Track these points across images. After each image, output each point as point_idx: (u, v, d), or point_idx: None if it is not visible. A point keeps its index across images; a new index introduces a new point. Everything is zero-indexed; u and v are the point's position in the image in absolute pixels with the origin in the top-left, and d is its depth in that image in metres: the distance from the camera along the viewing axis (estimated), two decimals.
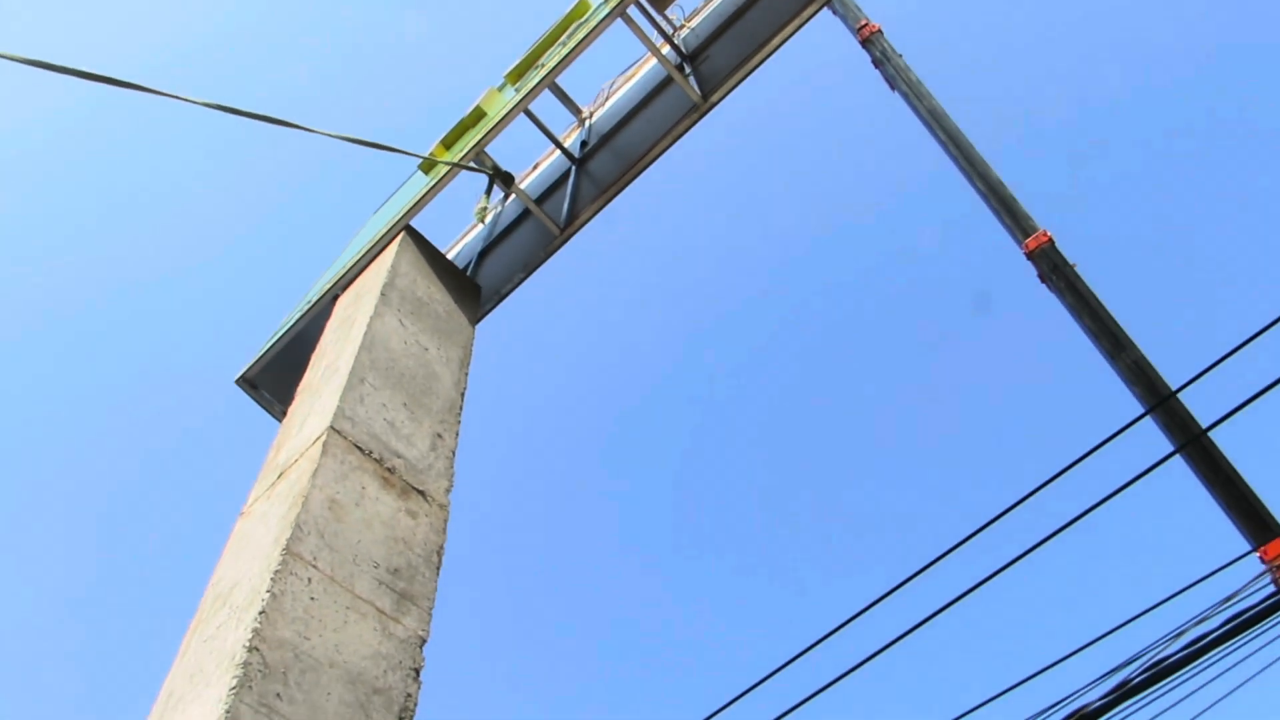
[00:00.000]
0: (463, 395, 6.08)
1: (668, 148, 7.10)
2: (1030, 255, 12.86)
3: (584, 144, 9.22)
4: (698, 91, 6.90)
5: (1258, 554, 9.68)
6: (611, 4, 7.13)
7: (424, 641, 4.20)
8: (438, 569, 4.71)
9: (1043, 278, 12.94)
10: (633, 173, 7.29)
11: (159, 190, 27.97)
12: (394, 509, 4.73)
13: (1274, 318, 5.09)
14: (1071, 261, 12.66)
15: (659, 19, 8.71)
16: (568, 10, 8.38)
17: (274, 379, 8.05)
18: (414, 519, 4.82)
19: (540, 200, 8.67)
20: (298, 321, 7.88)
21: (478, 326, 7.00)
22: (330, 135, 6.85)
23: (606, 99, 10.12)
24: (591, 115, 10.13)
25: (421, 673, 4.04)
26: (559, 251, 7.49)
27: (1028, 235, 12.95)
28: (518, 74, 8.62)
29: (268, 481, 5.05)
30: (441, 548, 4.84)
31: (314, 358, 6.52)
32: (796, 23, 7.01)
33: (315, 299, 7.73)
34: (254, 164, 28.03)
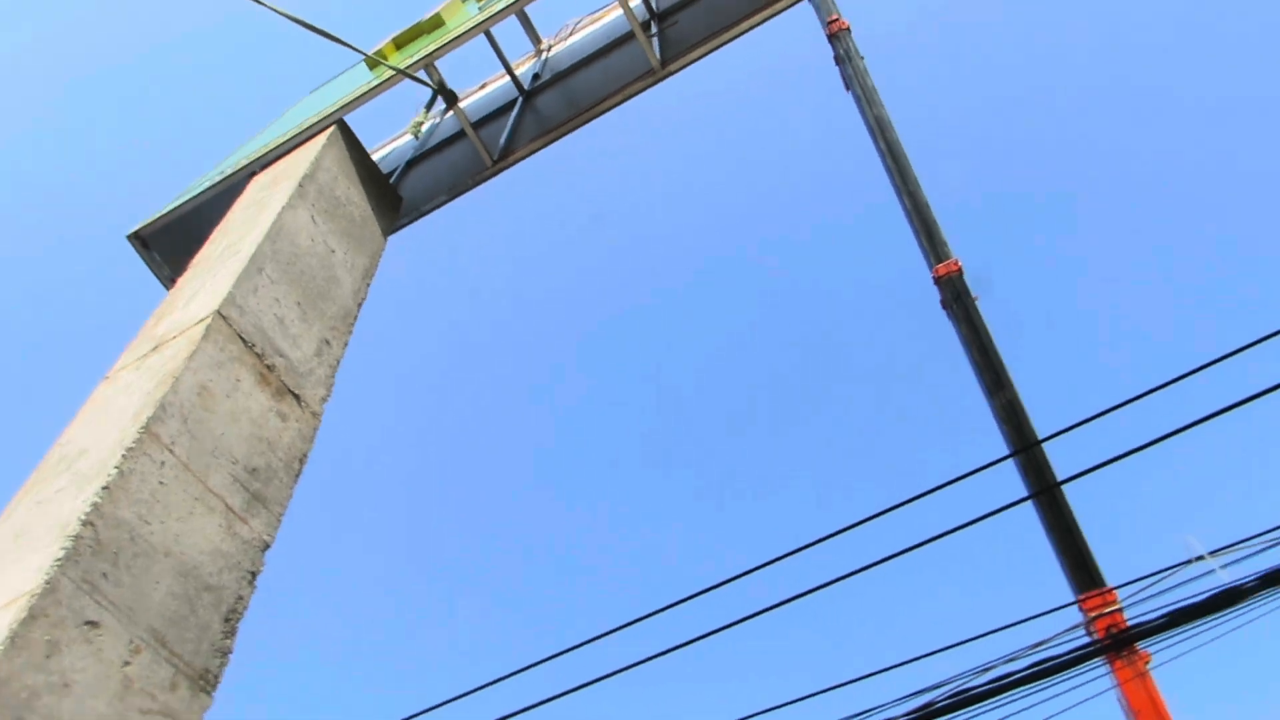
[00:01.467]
0: (360, 306, 5.98)
1: (618, 104, 7.03)
2: (937, 280, 13.20)
3: (536, 76, 9.07)
4: (658, 56, 6.83)
5: (1080, 605, 10.31)
6: None
7: (267, 546, 4.17)
8: (297, 476, 4.66)
9: (944, 304, 13.28)
10: (579, 120, 7.20)
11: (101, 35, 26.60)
12: (265, 408, 4.65)
13: (1149, 388, 5.38)
14: (974, 294, 13.02)
15: None
16: None
17: (169, 243, 7.76)
18: (284, 421, 4.75)
19: (480, 124, 8.51)
20: (207, 190, 7.59)
21: (390, 239, 6.87)
22: (280, 13, 6.61)
23: (569, 35, 9.95)
24: (550, 49, 9.95)
25: (258, 577, 4.01)
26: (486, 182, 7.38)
27: (940, 261, 13.28)
28: None
29: (140, 351, 4.90)
30: (306, 455, 4.79)
31: (216, 232, 6.31)
32: (779, 6, 6.89)
33: (230, 172, 7.46)
34: (189, 26, 26.83)
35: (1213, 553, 5.54)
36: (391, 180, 8.20)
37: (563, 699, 5.80)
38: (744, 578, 5.72)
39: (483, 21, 7.33)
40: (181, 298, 5.39)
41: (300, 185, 6.12)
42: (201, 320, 4.69)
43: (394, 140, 9.97)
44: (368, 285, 6.23)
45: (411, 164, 8.70)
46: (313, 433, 4.95)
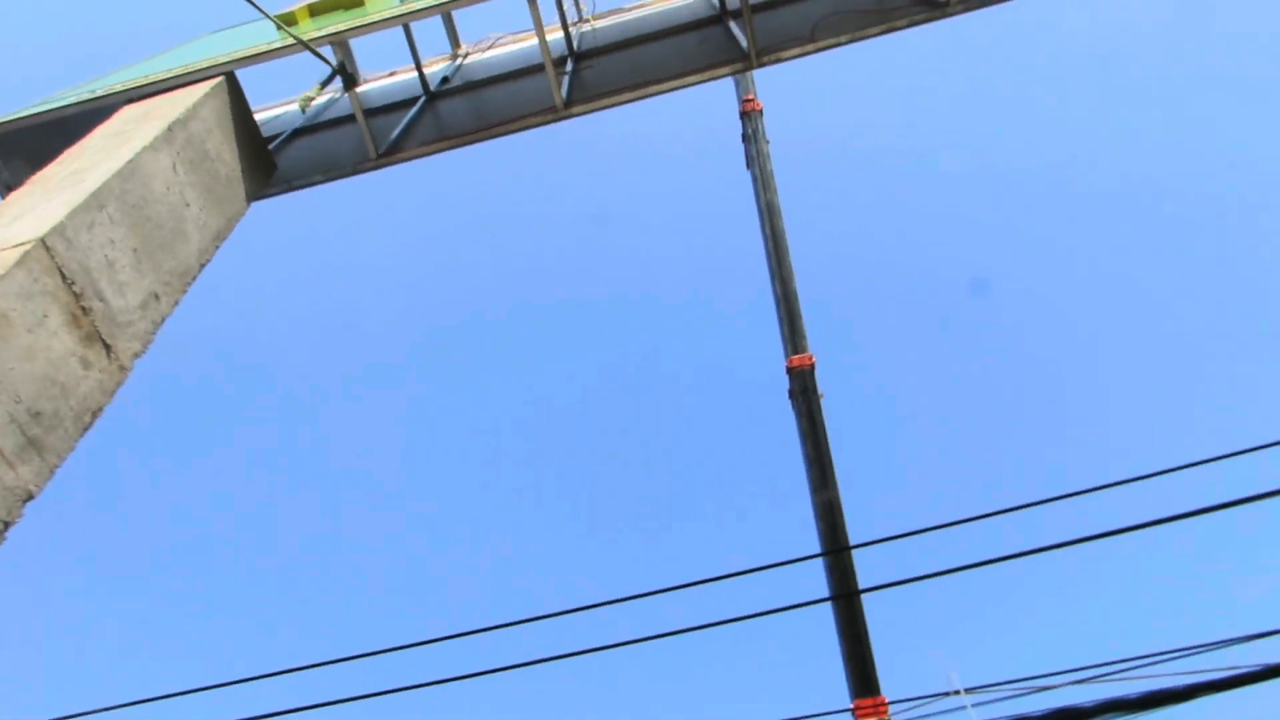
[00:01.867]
0: (203, 267, 5.74)
1: (516, 131, 7.00)
2: (789, 370, 13.62)
3: (445, 80, 8.97)
4: (564, 96, 6.86)
5: (853, 710, 10.72)
6: None
7: (31, 497, 3.91)
8: (86, 429, 4.41)
9: (791, 395, 13.70)
10: (474, 136, 7.13)
11: None
12: (68, 351, 4.39)
13: (971, 515, 5.64)
14: (821, 391, 13.50)
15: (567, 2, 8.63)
16: None
17: (18, 150, 7.30)
18: (86, 369, 4.49)
19: (378, 112, 8.35)
20: (72, 105, 7.17)
21: (255, 206, 6.63)
22: None
23: (488, 48, 9.91)
24: (467, 56, 9.88)
25: (12, 529, 3.76)
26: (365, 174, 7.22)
27: (797, 352, 13.71)
28: None
29: None
30: (102, 409, 4.54)
31: (68, 154, 5.97)
32: (700, 77, 6.99)
33: (102, 93, 7.08)
34: None
35: (969, 690, 5.81)
36: (272, 146, 7.95)
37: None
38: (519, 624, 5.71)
39: (405, 15, 7.22)
40: (9, 213, 5.07)
41: (170, 129, 5.86)
42: (21, 244, 4.42)
43: (288, 103, 9.68)
44: (217, 247, 5.98)
45: (299, 133, 8.45)
46: (116, 386, 4.70)
